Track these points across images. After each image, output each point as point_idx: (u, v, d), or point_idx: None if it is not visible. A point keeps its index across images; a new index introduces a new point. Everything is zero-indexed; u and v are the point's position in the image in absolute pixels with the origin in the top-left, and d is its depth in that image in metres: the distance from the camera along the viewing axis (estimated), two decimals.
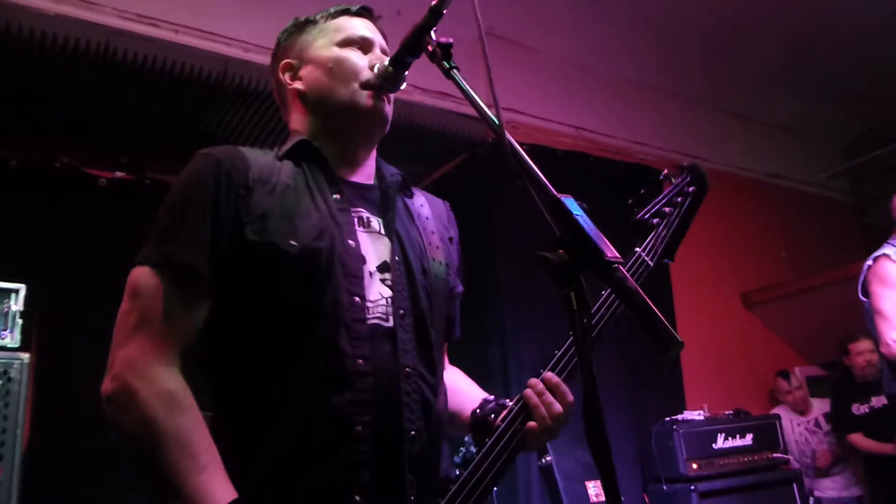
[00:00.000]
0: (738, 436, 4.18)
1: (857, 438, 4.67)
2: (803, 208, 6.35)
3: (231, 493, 1.06)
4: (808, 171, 6.53)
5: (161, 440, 1.06)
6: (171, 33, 3.52)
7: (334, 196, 1.27)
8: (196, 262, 1.15)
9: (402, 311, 1.25)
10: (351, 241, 1.23)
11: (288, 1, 3.71)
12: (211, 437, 1.11)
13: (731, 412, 4.42)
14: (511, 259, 4.16)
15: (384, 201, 1.35)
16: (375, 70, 1.31)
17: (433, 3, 1.17)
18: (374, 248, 1.27)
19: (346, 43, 1.35)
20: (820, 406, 5.10)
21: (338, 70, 1.32)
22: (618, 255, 0.89)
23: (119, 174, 3.93)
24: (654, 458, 4.07)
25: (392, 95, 1.37)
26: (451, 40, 1.17)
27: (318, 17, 1.41)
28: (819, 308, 5.28)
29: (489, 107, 1.09)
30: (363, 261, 1.24)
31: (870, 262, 3.31)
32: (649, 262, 1.38)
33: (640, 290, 0.84)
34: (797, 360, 5.53)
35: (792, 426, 4.95)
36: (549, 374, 1.25)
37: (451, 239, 1.48)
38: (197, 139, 4.03)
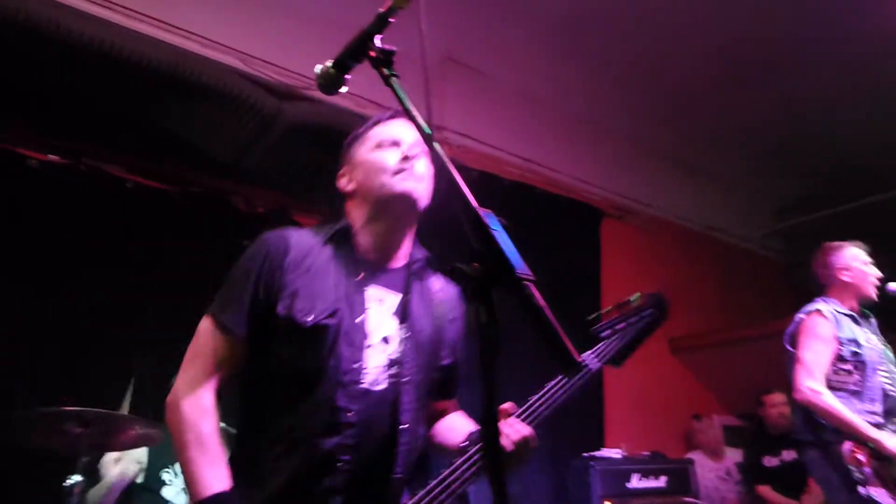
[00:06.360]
0: (652, 477, 4.25)
1: (766, 491, 4.78)
2: (737, 262, 6.55)
3: (224, 486, 1.41)
4: (744, 227, 6.75)
5: (189, 437, 1.46)
6: (124, 18, 3.45)
7: (357, 278, 1.58)
8: (233, 323, 1.54)
9: (406, 379, 1.55)
10: (358, 319, 1.54)
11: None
12: (223, 445, 1.48)
13: (648, 453, 4.49)
14: None
15: (406, 283, 1.65)
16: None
17: (381, 9, 1.18)
18: (379, 323, 1.57)
19: (378, 146, 1.67)
20: (734, 455, 5.21)
21: (370, 168, 1.65)
22: (530, 273, 0.89)
23: (52, 157, 3.78)
24: (569, 493, 4.09)
25: (427, 172, 1.62)
26: (394, 48, 1.17)
27: (360, 131, 1.74)
28: (742, 360, 5.43)
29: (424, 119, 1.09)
30: (365, 335, 1.54)
31: (802, 315, 3.38)
32: (591, 367, 1.57)
33: (547, 309, 0.84)
34: (716, 407, 5.66)
35: (704, 472, 5.04)
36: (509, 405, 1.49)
37: (452, 319, 1.73)
38: (141, 129, 3.92)
